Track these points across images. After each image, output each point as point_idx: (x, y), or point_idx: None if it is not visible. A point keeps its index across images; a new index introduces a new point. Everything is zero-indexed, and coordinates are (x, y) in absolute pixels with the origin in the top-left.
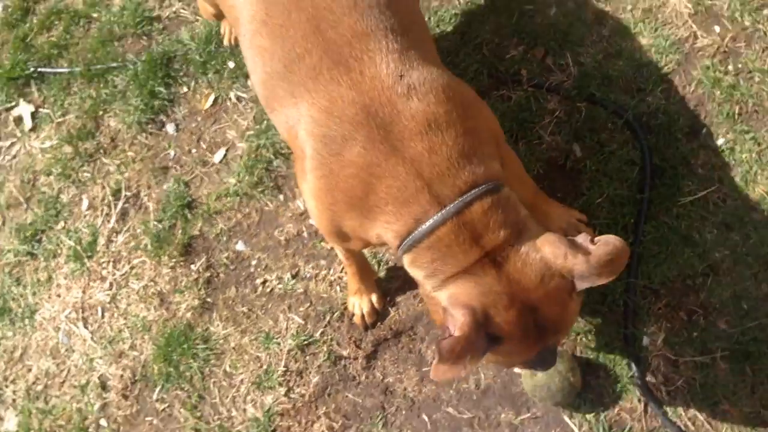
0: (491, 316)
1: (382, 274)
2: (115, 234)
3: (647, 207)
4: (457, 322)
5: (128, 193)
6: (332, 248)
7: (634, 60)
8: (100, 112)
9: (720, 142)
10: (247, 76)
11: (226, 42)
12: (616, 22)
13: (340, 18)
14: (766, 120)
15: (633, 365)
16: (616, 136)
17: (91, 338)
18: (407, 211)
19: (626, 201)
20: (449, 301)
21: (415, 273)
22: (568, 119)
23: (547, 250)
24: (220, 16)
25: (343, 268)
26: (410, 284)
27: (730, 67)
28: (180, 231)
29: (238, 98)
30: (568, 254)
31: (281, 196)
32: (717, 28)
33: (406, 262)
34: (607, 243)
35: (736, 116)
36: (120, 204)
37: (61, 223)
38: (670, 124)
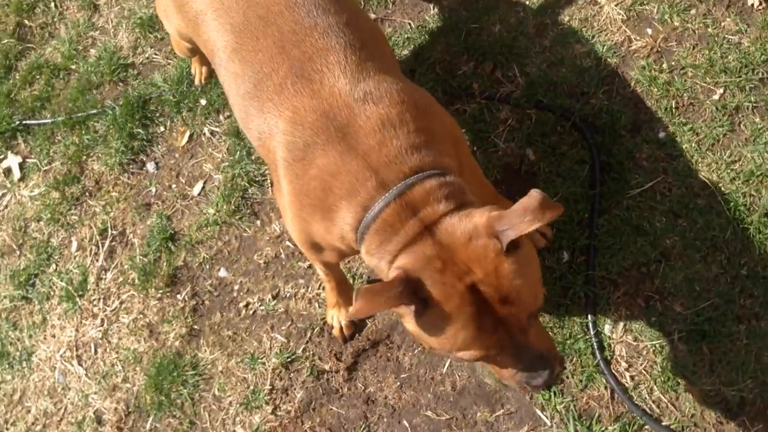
0: (424, 278)
1: (358, 287)
2: (104, 272)
3: (599, 202)
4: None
5: (114, 232)
6: (309, 266)
7: (576, 66)
8: (84, 157)
9: (661, 135)
10: (218, 111)
11: (197, 81)
12: (556, 32)
13: (302, 38)
14: (701, 111)
15: (597, 354)
16: (566, 138)
17: (86, 375)
18: (356, 201)
19: (580, 198)
20: (391, 270)
21: (371, 261)
22: (520, 126)
23: (476, 215)
24: (194, 51)
25: (321, 285)
26: None
27: (665, 66)
28: (165, 263)
29: (212, 133)
30: (490, 210)
31: (258, 222)
32: (649, 31)
33: (363, 253)
34: (527, 195)
35: (674, 110)
36: (107, 243)
37: (53, 266)
38: (614, 122)
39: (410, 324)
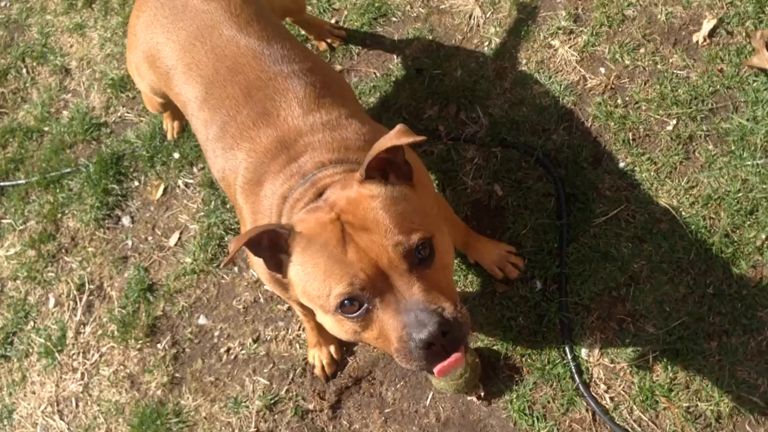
0: (296, 224)
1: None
2: (82, 326)
3: (567, 231)
4: None
5: (92, 286)
6: (288, 309)
7: (536, 105)
8: (59, 215)
9: (621, 165)
10: (192, 164)
11: (169, 136)
12: (515, 75)
13: (267, 83)
14: (657, 142)
15: (576, 378)
16: (531, 173)
17: (68, 429)
18: (279, 193)
19: (548, 228)
20: None
21: None
22: (486, 164)
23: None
24: (166, 107)
25: (301, 325)
26: None
27: (619, 101)
28: (144, 314)
29: (186, 185)
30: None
31: (236, 268)
32: (602, 70)
33: None
34: None
35: (631, 142)
36: (85, 297)
37: (31, 323)
38: (576, 156)
39: (290, 272)
